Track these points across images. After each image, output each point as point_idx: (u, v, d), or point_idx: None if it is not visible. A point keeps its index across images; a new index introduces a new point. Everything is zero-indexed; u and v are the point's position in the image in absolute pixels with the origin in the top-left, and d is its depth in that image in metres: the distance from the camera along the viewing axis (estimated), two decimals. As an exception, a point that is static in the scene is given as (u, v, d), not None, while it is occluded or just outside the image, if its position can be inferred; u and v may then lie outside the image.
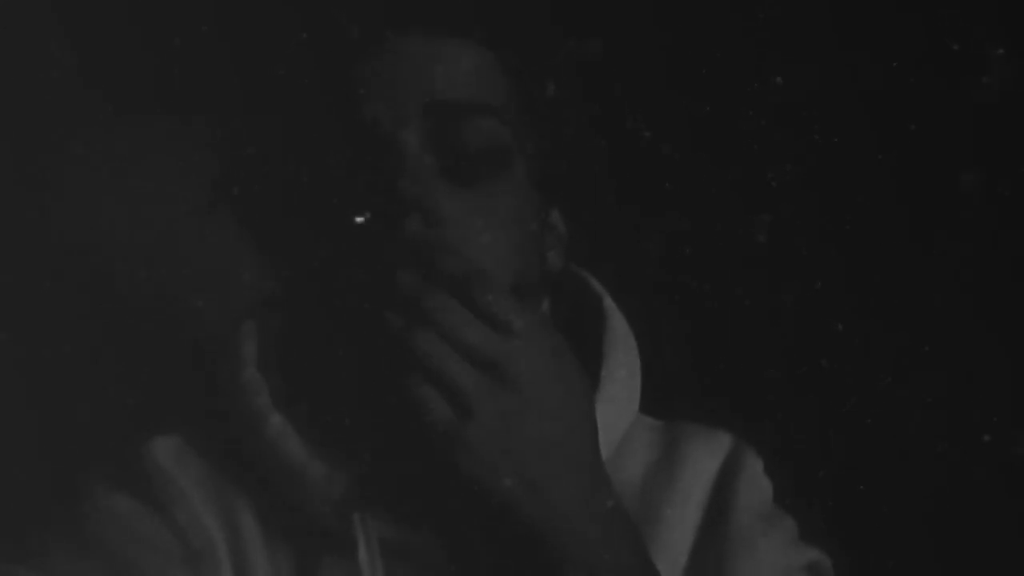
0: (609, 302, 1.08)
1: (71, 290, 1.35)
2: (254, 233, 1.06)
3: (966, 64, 1.35)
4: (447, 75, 0.99)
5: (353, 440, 0.98)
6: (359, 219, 0.96)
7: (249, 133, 1.05)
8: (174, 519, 1.00)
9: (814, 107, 1.39)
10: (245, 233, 1.06)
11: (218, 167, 1.06)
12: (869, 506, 1.35)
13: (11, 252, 1.32)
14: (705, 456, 1.08)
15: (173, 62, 1.27)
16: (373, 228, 0.95)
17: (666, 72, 1.37)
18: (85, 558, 0.97)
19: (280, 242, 1.03)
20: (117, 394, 1.30)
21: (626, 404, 1.06)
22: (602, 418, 0.98)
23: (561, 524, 0.89)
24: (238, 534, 1.00)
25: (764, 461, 1.09)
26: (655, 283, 1.37)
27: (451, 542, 0.99)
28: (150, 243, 1.35)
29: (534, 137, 1.03)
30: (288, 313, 1.02)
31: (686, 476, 1.07)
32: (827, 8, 1.39)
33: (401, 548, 0.98)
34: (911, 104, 1.38)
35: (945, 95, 1.38)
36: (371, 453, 0.98)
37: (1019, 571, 1.30)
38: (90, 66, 1.33)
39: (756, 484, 1.07)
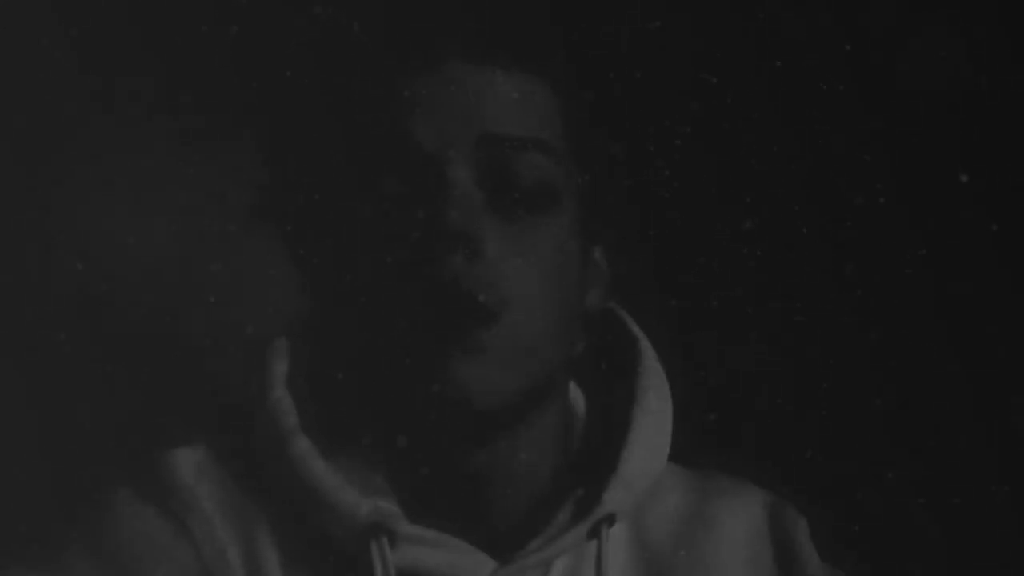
0: (646, 345, 1.07)
1: (102, 300, 1.33)
2: (291, 251, 1.05)
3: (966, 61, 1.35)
4: (501, 108, 0.98)
5: (378, 466, 0.98)
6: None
7: (294, 151, 1.04)
8: (191, 533, 0.99)
9: (814, 104, 1.37)
10: (282, 250, 1.05)
11: (259, 182, 1.04)
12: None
13: (48, 261, 1.30)
14: (741, 511, 1.07)
15: (221, 78, 1.24)
16: (415, 257, 0.95)
17: (665, 70, 1.35)
18: (99, 566, 0.97)
19: (317, 263, 1.02)
20: (143, 405, 1.29)
21: (656, 451, 1.05)
22: (631, 464, 0.98)
23: None
24: (254, 553, 0.99)
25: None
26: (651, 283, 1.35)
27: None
28: (185, 254, 1.33)
29: (583, 175, 1.02)
30: (320, 335, 1.02)
31: (724, 531, 1.06)
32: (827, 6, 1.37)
33: None
34: (911, 103, 1.38)
35: (946, 94, 1.37)
36: (395, 480, 0.99)
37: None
38: (135, 80, 1.30)
39: (810, 542, 1.07)
